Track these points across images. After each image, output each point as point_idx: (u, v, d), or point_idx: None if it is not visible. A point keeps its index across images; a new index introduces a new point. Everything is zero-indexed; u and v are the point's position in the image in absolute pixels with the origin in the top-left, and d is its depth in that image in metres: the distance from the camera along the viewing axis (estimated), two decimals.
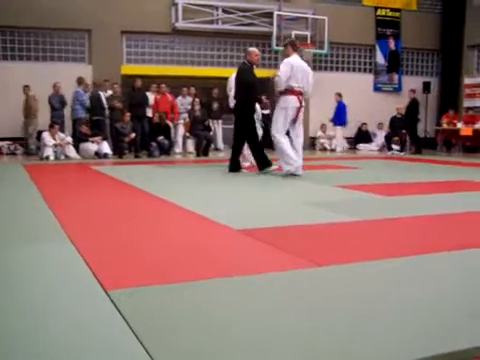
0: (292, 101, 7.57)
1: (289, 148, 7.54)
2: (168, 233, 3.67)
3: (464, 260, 2.96)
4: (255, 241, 3.34)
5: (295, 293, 2.36)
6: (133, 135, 12.01)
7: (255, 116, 8.83)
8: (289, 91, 7.56)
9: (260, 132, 9.13)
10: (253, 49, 8.31)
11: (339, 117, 15.19)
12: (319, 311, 2.12)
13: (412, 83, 17.58)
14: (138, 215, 4.42)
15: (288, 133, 7.82)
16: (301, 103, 7.64)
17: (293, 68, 7.50)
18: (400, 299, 2.27)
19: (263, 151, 8.13)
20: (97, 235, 3.56)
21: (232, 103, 8.98)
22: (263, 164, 7.99)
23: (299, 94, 7.62)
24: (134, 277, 2.55)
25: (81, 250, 3.05)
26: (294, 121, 7.65)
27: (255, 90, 8.11)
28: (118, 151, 11.84)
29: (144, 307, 2.16)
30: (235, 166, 8.20)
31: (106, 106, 12.68)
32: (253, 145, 8.17)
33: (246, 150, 8.83)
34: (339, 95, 15.21)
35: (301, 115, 7.77)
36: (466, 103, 17.26)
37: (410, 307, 2.17)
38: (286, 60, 7.62)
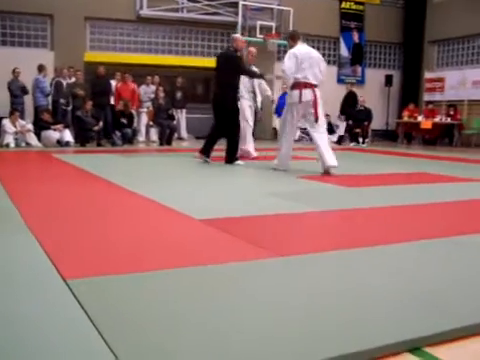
0: (295, 96, 6.83)
1: (285, 150, 7.11)
2: (130, 222, 3.66)
3: (421, 250, 3.04)
4: (217, 231, 3.37)
5: (257, 283, 2.39)
6: (101, 124, 11.86)
7: (254, 102, 9.08)
8: (295, 85, 6.83)
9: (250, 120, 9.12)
10: (238, 35, 8.18)
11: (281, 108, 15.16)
12: (280, 303, 2.15)
13: (375, 76, 17.86)
14: (100, 205, 4.40)
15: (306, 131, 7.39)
16: (314, 96, 6.78)
17: (298, 58, 6.79)
18: (356, 289, 2.33)
19: (236, 148, 7.94)
20: (57, 225, 3.53)
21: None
22: (230, 159, 7.83)
23: (306, 86, 6.78)
24: (95, 266, 2.55)
25: (40, 239, 3.03)
26: (315, 119, 6.83)
27: (238, 77, 7.95)
28: (80, 139, 11.69)
29: (104, 297, 2.16)
30: (206, 151, 7.98)
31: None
32: (231, 138, 7.86)
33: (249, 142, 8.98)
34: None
35: (319, 110, 6.86)
36: (426, 97, 17.63)
37: (366, 298, 2.23)
38: (290, 51, 6.97)
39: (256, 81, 9.17)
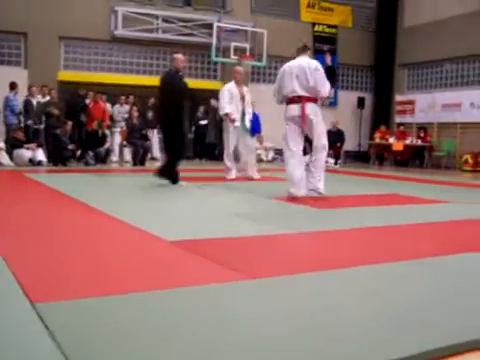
0: (287, 110, 6.45)
1: (293, 171, 6.39)
2: (100, 245, 3.64)
3: (394, 271, 3.08)
4: (188, 253, 3.37)
5: (228, 306, 2.38)
6: (72, 146, 11.85)
7: (238, 123, 9.07)
8: (287, 100, 6.45)
9: (232, 140, 9.15)
10: (179, 55, 7.89)
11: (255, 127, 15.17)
12: (252, 325, 2.16)
13: (347, 98, 18.12)
14: (71, 226, 4.36)
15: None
16: (302, 110, 6.23)
17: (284, 74, 6.42)
18: (329, 312, 2.35)
19: (176, 167, 7.67)
20: (27, 247, 3.49)
21: (222, 112, 9.20)
22: (172, 179, 7.63)
23: (293, 101, 6.32)
24: (63, 290, 2.53)
25: (8, 262, 2.99)
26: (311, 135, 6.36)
27: (184, 98, 7.81)
28: (54, 158, 11.60)
29: (72, 321, 2.13)
30: (174, 178, 7.69)
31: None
32: (173, 157, 7.63)
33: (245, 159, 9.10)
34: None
35: (314, 127, 6.28)
36: (397, 119, 17.96)
37: (342, 318, 2.25)
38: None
39: (247, 101, 9.31)
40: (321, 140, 6.34)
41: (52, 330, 2.00)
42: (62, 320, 2.13)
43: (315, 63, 6.38)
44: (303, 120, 6.26)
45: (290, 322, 2.18)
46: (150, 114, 14.31)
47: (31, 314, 2.19)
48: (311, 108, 6.27)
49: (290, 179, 6.44)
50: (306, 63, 6.31)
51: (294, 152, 6.46)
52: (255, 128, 15.36)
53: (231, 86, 9.29)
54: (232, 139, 9.21)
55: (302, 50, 6.58)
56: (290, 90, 6.32)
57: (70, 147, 11.75)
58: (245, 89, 9.45)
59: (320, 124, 6.37)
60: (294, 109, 6.32)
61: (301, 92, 6.26)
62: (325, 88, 6.28)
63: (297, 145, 6.49)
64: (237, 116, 9.12)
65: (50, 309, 2.24)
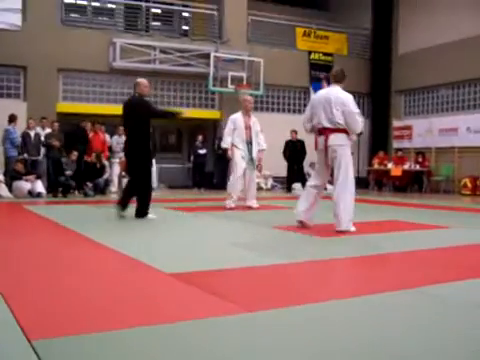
0: (317, 143, 6.28)
1: (301, 198, 6.47)
2: (99, 278, 3.63)
3: (389, 302, 3.06)
4: (186, 285, 3.36)
5: (226, 341, 2.37)
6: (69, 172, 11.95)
7: (242, 153, 8.97)
8: (316, 132, 6.28)
9: (239, 170, 9.05)
10: (143, 80, 7.57)
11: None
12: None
13: None
14: (69, 260, 4.35)
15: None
16: (326, 143, 6.03)
17: (313, 103, 6.29)
18: (326, 345, 2.33)
19: (148, 198, 7.31)
20: (25, 282, 3.48)
21: (224, 145, 9.18)
22: (139, 212, 7.26)
23: (320, 133, 6.13)
24: (60, 326, 2.51)
25: (6, 297, 2.98)
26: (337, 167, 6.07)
27: (149, 124, 7.36)
28: (54, 185, 11.70)
29: (68, 358, 2.12)
30: (124, 205, 7.27)
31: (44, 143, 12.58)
32: (141, 189, 7.28)
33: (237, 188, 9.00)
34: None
35: (337, 159, 6.01)
36: (395, 144, 18.04)
37: (336, 354, 2.23)
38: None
39: (254, 132, 9.21)
40: (341, 174, 6.02)
41: None
42: (58, 357, 2.11)
43: (343, 97, 6.03)
44: (325, 152, 6.07)
45: (284, 357, 2.16)
46: None
47: (28, 351, 2.17)
48: (335, 139, 6.00)
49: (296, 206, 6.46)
50: (334, 96, 6.03)
51: (313, 184, 6.41)
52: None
53: (237, 116, 9.23)
54: (239, 168, 9.10)
55: (336, 77, 6.27)
56: (317, 121, 6.15)
57: (68, 173, 11.82)
58: (253, 119, 9.33)
59: (344, 158, 6.03)
60: (320, 141, 6.16)
61: (326, 124, 6.04)
62: (356, 125, 6.03)
63: (318, 178, 6.41)
64: (241, 147, 9.08)
65: (46, 346, 2.22)
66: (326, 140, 6.03)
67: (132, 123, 7.32)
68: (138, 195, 7.32)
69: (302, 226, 6.31)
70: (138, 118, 7.24)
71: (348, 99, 6.03)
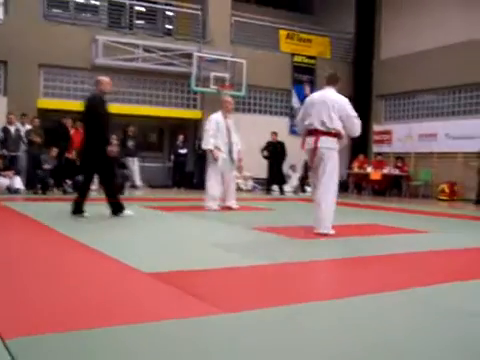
0: (304, 143, 6.23)
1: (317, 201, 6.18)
2: (75, 277, 3.59)
3: (372, 304, 3.08)
4: (164, 285, 3.34)
5: (203, 341, 2.35)
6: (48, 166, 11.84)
7: (224, 155, 8.86)
8: (305, 132, 6.23)
9: (218, 171, 8.93)
10: (104, 78, 7.38)
11: None
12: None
13: None
14: (45, 258, 4.30)
15: None
16: (315, 144, 5.96)
17: (307, 104, 6.25)
18: (305, 346, 2.33)
19: (115, 194, 7.38)
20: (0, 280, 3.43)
21: (207, 145, 8.97)
22: (114, 208, 7.24)
23: (310, 134, 6.07)
24: (35, 324, 2.48)
25: None
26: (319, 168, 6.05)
27: (106, 123, 7.16)
28: (33, 179, 11.53)
29: (44, 358, 2.09)
30: (78, 209, 7.21)
31: (25, 140, 12.44)
32: (106, 186, 7.27)
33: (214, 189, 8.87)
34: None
35: (324, 161, 5.97)
36: (375, 148, 18.19)
37: (313, 355, 2.24)
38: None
39: (232, 132, 9.14)
40: (325, 177, 6.00)
41: None
42: (30, 356, 2.09)
43: (340, 101, 6.03)
44: (313, 153, 6.02)
45: (260, 357, 2.16)
46: (131, 143, 14.34)
47: (1, 351, 2.14)
48: (325, 142, 5.97)
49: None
50: (330, 99, 6.01)
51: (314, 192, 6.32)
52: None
53: (218, 117, 9.09)
54: (218, 169, 9.00)
55: (329, 80, 6.29)
56: (308, 122, 6.09)
57: (46, 166, 11.72)
58: (230, 120, 9.27)
59: (331, 161, 6.01)
60: (308, 141, 6.11)
61: (318, 126, 5.99)
62: (355, 128, 6.06)
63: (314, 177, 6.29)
64: (223, 149, 8.99)
65: (21, 345, 2.19)
66: (316, 141, 5.98)
67: (87, 120, 7.24)
68: (105, 193, 7.27)
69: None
70: (92, 116, 7.12)
71: (345, 103, 6.04)
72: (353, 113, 6.06)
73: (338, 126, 5.98)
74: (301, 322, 2.68)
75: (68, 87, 15.19)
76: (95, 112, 7.11)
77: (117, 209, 7.23)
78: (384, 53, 18.31)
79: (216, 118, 9.07)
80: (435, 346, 2.37)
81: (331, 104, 5.96)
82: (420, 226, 7.43)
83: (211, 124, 9.04)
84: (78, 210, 7.17)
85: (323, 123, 5.97)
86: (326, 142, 5.98)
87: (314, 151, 6.00)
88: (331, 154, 6.01)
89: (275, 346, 2.30)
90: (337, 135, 6.02)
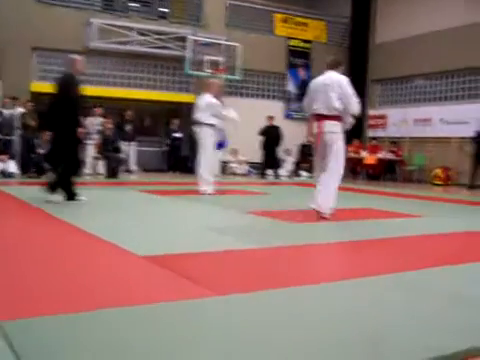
0: (311, 128, 6.42)
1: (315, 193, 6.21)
2: (69, 260, 3.60)
3: (365, 287, 3.10)
4: (158, 268, 3.35)
5: (197, 324, 2.37)
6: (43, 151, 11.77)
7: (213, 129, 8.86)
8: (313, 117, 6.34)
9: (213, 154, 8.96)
10: (77, 56, 7.22)
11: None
12: (220, 342, 2.15)
13: None
14: (40, 241, 4.31)
15: None
16: (320, 128, 6.10)
17: (310, 89, 6.36)
18: (298, 328, 2.35)
19: (71, 181, 6.98)
20: None
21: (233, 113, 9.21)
22: (68, 195, 6.95)
23: (316, 118, 6.21)
24: (29, 307, 2.49)
25: None
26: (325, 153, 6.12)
27: (78, 105, 6.96)
28: (27, 164, 11.51)
29: (39, 339, 2.10)
30: (71, 195, 6.97)
31: (16, 124, 12.38)
32: (64, 169, 6.87)
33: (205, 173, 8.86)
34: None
35: (329, 145, 6.06)
36: (370, 133, 18.19)
37: (307, 336, 2.26)
38: None
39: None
40: (331, 161, 6.07)
41: (17, 349, 1.97)
42: (26, 338, 2.10)
43: (339, 80, 6.10)
44: (318, 137, 6.14)
45: (254, 339, 2.18)
46: (128, 127, 14.32)
47: None
48: (329, 126, 6.07)
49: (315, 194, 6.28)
50: (329, 80, 6.12)
51: (319, 176, 6.29)
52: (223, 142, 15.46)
53: (213, 98, 9.03)
54: (213, 152, 9.06)
55: (330, 65, 6.37)
56: (314, 107, 6.18)
57: (40, 150, 11.68)
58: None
59: (335, 144, 6.07)
60: (314, 126, 6.24)
61: (323, 111, 6.10)
62: (352, 107, 6.09)
63: (319, 168, 6.29)
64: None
65: (17, 327, 2.20)
66: (320, 126, 6.10)
67: (61, 102, 6.86)
68: (60, 171, 6.88)
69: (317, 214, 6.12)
70: (67, 97, 6.82)
71: (343, 81, 6.10)
72: (351, 91, 6.10)
73: (339, 106, 6.05)
74: (293, 305, 2.70)
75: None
76: (67, 93, 6.84)
77: (69, 197, 6.94)
78: (379, 37, 18.24)
79: (213, 100, 9.04)
80: (426, 329, 2.40)
81: (331, 85, 6.06)
82: (414, 210, 7.47)
83: (216, 102, 9.03)
84: (71, 195, 7.00)
85: (326, 106, 6.07)
86: (331, 126, 6.08)
87: (319, 135, 6.11)
88: (336, 137, 6.10)
89: (268, 328, 2.32)
90: (341, 119, 6.11)
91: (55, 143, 7.11)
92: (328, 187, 6.07)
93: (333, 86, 6.04)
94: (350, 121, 6.30)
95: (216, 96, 9.13)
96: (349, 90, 6.09)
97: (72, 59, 7.11)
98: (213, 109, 8.87)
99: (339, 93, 6.03)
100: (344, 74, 6.37)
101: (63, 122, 6.81)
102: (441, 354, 2.07)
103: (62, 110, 6.82)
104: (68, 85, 6.92)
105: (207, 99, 9.00)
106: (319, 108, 6.12)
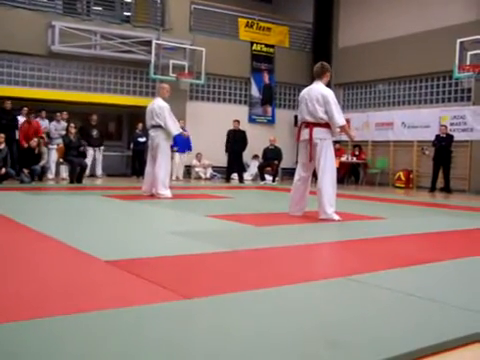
0: (299, 135, 6.69)
1: (291, 193, 6.81)
2: (30, 265, 3.55)
3: (324, 289, 3.15)
4: (123, 272, 3.34)
5: (162, 327, 2.37)
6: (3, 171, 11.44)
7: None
8: (300, 125, 6.71)
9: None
10: None
11: (181, 145, 15.27)
12: (185, 346, 2.17)
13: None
14: (1, 247, 4.24)
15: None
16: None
17: (300, 99, 6.63)
18: (263, 332, 2.38)
19: None
20: None
21: (177, 131, 9.18)
22: None
23: (302, 126, 6.59)
24: None
25: None
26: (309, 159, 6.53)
27: None
28: None
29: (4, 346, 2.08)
30: None
31: None
32: None
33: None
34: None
35: (320, 152, 6.38)
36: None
37: (268, 340, 2.29)
38: None
39: (166, 115, 9.07)
40: (322, 167, 6.38)
41: None
42: None
43: (322, 93, 6.39)
44: (309, 144, 6.44)
45: (217, 345, 2.20)
46: (95, 132, 14.21)
47: None
48: (318, 132, 6.40)
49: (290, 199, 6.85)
50: (314, 92, 6.44)
51: (298, 179, 6.72)
52: (186, 146, 15.46)
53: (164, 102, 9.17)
54: (170, 156, 9.30)
55: (315, 74, 6.69)
56: (301, 116, 6.60)
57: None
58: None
59: (325, 150, 6.39)
60: (303, 133, 6.56)
61: (309, 118, 6.46)
62: (335, 119, 6.30)
63: (302, 171, 6.68)
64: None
65: None
66: (310, 133, 6.42)
67: None
68: None
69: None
70: None
71: (327, 95, 6.38)
72: (334, 104, 6.37)
73: (325, 117, 6.36)
74: (255, 308, 2.73)
75: (24, 74, 14.87)
76: None
77: None
78: (342, 42, 18.52)
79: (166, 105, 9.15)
80: (385, 329, 2.45)
81: (315, 97, 6.39)
82: (378, 213, 7.59)
83: (169, 109, 9.12)
84: None
85: (312, 116, 6.41)
86: (319, 133, 6.41)
87: (309, 141, 6.43)
88: (325, 144, 6.42)
89: (230, 331, 2.34)
90: (328, 125, 6.39)
91: None
92: (325, 191, 6.39)
93: (317, 99, 6.36)
94: (337, 130, 6.55)
95: (166, 100, 9.20)
96: (332, 105, 6.35)
97: None
98: (165, 113, 8.94)
99: (324, 106, 6.35)
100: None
101: None
102: (392, 355, 2.11)
103: None
104: None
105: (160, 103, 9.08)
106: (305, 117, 6.51)
